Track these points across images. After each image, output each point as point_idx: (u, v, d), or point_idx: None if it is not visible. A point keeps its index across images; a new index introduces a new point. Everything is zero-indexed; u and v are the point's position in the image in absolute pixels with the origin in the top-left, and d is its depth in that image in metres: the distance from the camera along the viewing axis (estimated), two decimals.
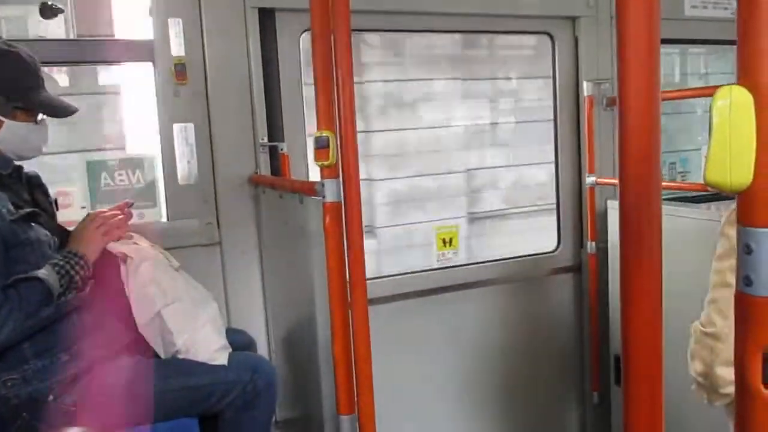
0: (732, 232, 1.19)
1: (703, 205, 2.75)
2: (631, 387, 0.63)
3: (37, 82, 1.82)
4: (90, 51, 2.41)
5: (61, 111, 1.86)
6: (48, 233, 1.78)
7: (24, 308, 1.63)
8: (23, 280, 1.66)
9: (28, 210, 1.74)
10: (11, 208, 1.69)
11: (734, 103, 0.57)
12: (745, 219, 0.58)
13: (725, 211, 1.30)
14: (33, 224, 1.74)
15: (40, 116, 1.83)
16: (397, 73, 3.86)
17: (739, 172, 0.57)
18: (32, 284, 1.66)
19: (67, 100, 1.87)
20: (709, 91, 2.32)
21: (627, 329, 0.63)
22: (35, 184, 1.90)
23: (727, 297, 1.16)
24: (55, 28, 2.47)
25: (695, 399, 1.29)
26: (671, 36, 2.99)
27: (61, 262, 1.73)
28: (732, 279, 1.18)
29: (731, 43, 0.59)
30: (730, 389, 1.12)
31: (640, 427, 0.63)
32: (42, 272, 1.67)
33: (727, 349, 1.13)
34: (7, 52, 1.78)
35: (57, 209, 1.97)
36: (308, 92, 2.17)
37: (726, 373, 1.16)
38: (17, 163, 1.84)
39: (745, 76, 0.57)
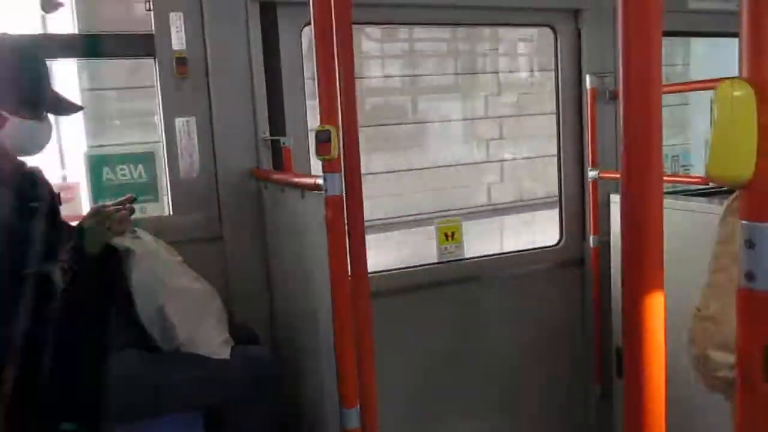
0: (733, 219, 1.19)
1: (705, 199, 2.75)
2: (632, 379, 0.63)
3: (44, 79, 1.82)
4: (90, 46, 2.40)
5: (66, 109, 1.85)
6: (52, 228, 1.78)
7: (28, 303, 1.63)
8: (28, 275, 1.66)
9: (31, 205, 1.74)
10: (15, 204, 1.69)
11: (736, 97, 0.56)
12: (747, 214, 0.58)
13: (727, 200, 1.30)
14: (37, 219, 1.75)
15: (45, 114, 1.83)
16: None
17: (741, 166, 0.56)
18: (37, 279, 1.66)
19: None
20: (710, 85, 2.31)
21: (629, 322, 0.63)
22: (38, 180, 1.90)
23: (723, 280, 1.16)
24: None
25: (694, 382, 1.29)
26: (673, 28, 2.98)
27: (65, 257, 1.73)
28: (728, 263, 1.18)
29: (734, 35, 0.59)
30: (725, 372, 1.12)
31: (641, 419, 0.63)
32: (46, 267, 1.68)
33: (719, 331, 1.13)
34: (13, 48, 1.77)
35: (60, 204, 1.97)
36: (310, 86, 2.17)
37: (719, 356, 1.16)
38: (20, 158, 1.84)
39: (747, 70, 0.57)
